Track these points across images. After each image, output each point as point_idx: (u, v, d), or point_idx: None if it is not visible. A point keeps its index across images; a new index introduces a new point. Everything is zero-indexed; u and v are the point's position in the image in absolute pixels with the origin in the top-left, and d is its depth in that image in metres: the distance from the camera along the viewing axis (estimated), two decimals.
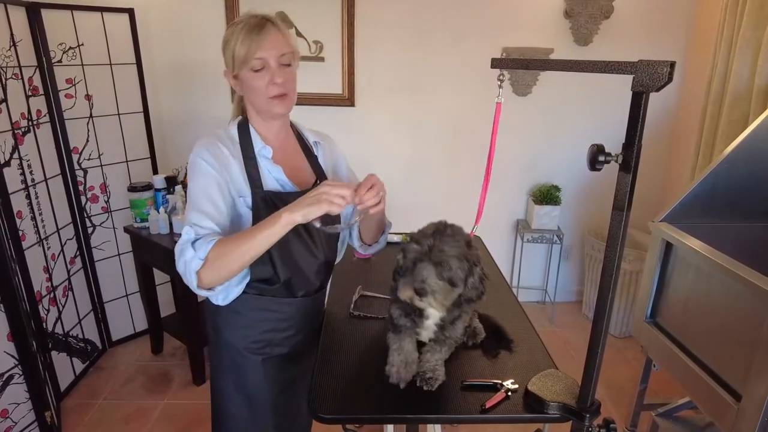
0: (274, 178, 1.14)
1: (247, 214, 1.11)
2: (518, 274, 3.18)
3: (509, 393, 1.08)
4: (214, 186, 1.06)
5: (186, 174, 1.12)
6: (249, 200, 1.10)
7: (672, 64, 0.75)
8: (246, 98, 1.14)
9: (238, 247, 0.96)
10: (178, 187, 2.40)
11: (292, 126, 1.26)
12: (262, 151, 1.13)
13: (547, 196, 2.89)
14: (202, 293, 1.05)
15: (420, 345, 1.15)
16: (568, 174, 3.03)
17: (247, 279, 1.14)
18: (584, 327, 3.03)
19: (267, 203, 1.10)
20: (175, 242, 2.27)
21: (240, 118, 1.18)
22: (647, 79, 0.77)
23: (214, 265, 0.98)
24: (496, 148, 1.18)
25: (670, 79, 0.76)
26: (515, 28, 2.76)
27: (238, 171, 1.10)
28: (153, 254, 2.40)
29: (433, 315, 1.08)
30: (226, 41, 1.09)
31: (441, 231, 1.00)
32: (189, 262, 0.99)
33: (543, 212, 2.88)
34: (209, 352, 1.30)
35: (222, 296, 1.11)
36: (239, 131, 1.14)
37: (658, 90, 0.77)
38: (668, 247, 1.72)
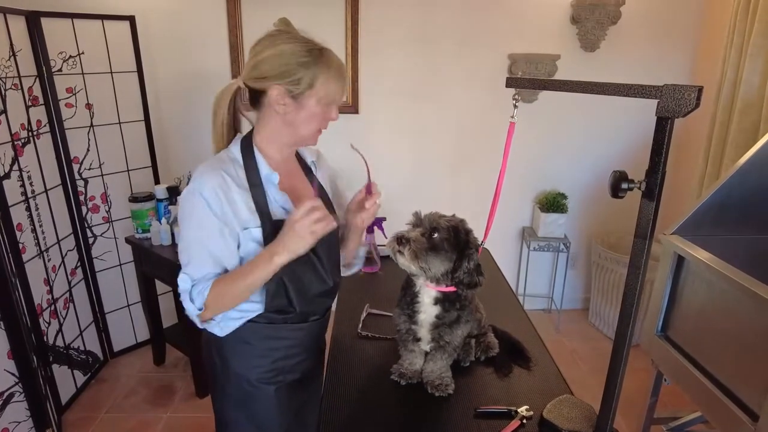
0: (280, 206, 1.08)
1: (254, 248, 1.04)
2: (524, 281, 3.14)
3: (524, 420, 1.05)
4: (216, 234, 1.00)
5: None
6: (254, 231, 1.04)
7: (700, 90, 0.72)
8: (283, 121, 1.04)
9: (234, 289, 1.01)
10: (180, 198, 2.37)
11: None
12: (270, 177, 1.07)
13: (553, 203, 2.86)
14: (201, 325, 1.09)
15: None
16: (574, 181, 3.00)
17: (248, 314, 1.11)
18: (591, 335, 3.00)
19: (277, 233, 1.04)
20: (177, 253, 2.24)
21: (240, 136, 1.11)
22: (673, 104, 0.74)
23: (213, 308, 1.03)
24: (502, 157, 1.15)
25: (697, 105, 0.73)
26: (521, 35, 2.72)
27: (242, 201, 1.03)
28: (155, 266, 2.37)
29: (426, 308, 1.12)
30: (296, 61, 0.99)
31: (446, 216, 1.10)
32: (190, 311, 1.03)
33: (549, 220, 2.84)
34: (211, 381, 1.23)
35: (218, 328, 1.10)
36: (243, 152, 1.06)
37: (684, 116, 0.74)
38: (680, 260, 1.69)
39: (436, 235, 1.05)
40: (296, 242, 0.95)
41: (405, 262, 1.05)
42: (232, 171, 1.04)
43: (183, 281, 1.02)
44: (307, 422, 1.28)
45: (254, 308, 1.10)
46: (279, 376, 1.17)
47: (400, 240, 1.05)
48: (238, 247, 1.04)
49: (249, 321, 1.10)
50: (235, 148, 1.08)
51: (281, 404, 1.19)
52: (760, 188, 1.74)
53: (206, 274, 1.02)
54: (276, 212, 1.06)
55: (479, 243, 1.11)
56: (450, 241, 1.05)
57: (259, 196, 1.04)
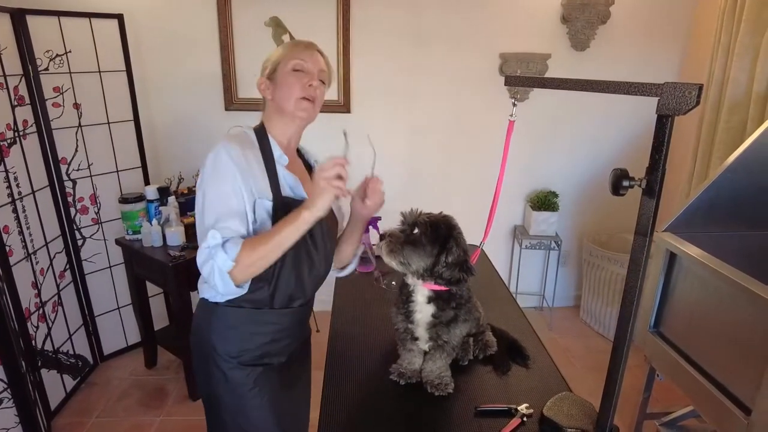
0: (289, 186, 1.13)
1: (266, 219, 1.09)
2: (516, 279, 3.16)
3: (524, 418, 1.05)
4: (239, 185, 1.04)
5: (198, 173, 1.08)
6: (267, 203, 1.08)
7: (700, 87, 0.73)
8: (273, 100, 1.14)
9: (266, 245, 1.01)
10: (171, 198, 2.34)
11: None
12: (281, 158, 1.13)
13: (545, 202, 2.87)
14: (230, 292, 1.05)
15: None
16: (566, 180, 3.02)
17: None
18: (583, 333, 3.02)
19: (286, 210, 1.09)
20: (169, 255, 2.21)
21: (253, 125, 1.18)
22: (674, 102, 0.74)
23: (245, 265, 1.01)
24: (496, 156, 1.16)
25: (697, 103, 0.74)
26: (512, 34, 2.73)
27: (260, 171, 1.09)
28: (146, 267, 2.33)
29: (421, 307, 1.12)
30: (270, 55, 1.16)
31: (430, 213, 1.10)
32: (221, 265, 1.00)
33: (541, 218, 2.86)
34: (202, 377, 1.22)
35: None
36: (257, 136, 1.13)
37: (685, 113, 0.75)
38: (672, 257, 1.71)
39: (415, 230, 1.05)
40: (320, 195, 1.00)
41: (384, 257, 1.08)
42: (250, 146, 1.11)
43: (213, 237, 1.01)
44: (300, 401, 1.31)
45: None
46: (265, 359, 1.18)
47: (382, 237, 1.08)
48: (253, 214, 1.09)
49: (235, 306, 1.12)
50: (250, 132, 1.15)
51: (269, 384, 1.19)
52: (749, 186, 1.76)
53: (236, 231, 1.03)
54: (285, 191, 1.12)
55: (461, 238, 1.09)
56: (428, 235, 1.05)
57: (272, 171, 1.10)
